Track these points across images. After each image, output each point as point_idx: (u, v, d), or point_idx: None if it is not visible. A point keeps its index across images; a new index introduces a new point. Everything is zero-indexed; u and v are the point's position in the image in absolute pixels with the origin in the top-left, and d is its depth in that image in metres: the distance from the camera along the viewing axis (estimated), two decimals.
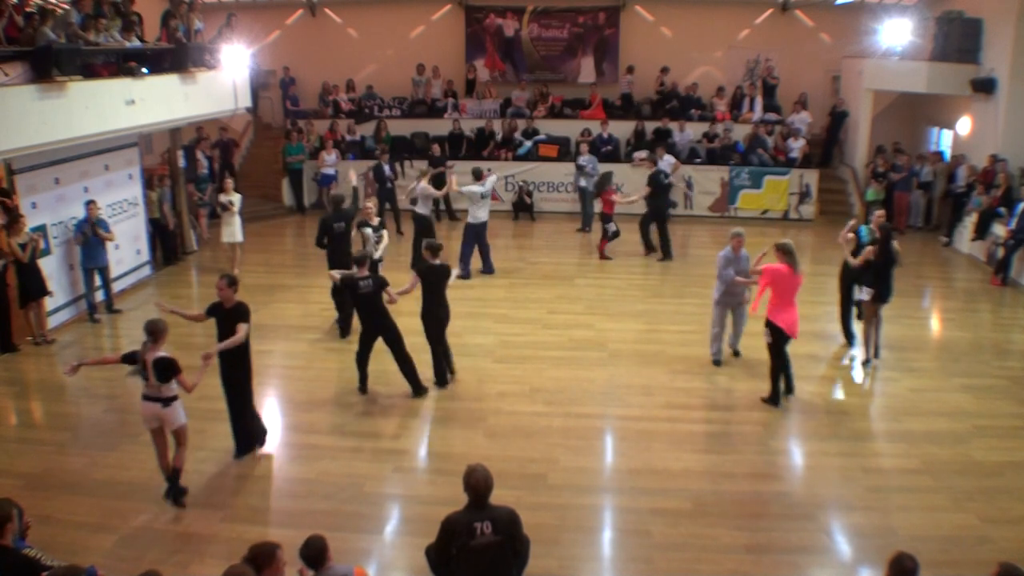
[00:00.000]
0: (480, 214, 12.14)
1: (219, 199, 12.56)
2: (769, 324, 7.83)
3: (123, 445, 7.27)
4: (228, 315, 6.67)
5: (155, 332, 6.05)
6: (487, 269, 12.45)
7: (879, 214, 9.46)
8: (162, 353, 6.03)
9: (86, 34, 10.34)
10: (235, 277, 6.76)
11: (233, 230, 12.27)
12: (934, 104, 16.71)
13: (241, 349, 6.70)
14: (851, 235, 9.29)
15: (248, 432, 7.05)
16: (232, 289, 6.65)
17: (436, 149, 16.01)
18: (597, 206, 13.74)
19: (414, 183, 12.35)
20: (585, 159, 15.45)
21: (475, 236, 12.23)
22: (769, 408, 8.04)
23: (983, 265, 13.25)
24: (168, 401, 6.14)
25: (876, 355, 9.16)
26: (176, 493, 6.31)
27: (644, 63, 18.02)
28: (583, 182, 15.56)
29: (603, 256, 13.40)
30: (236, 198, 12.30)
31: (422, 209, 12.15)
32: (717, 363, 9.03)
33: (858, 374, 9.02)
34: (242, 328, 6.56)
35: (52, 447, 7.30)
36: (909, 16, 15.96)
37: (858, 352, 9.38)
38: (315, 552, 4.23)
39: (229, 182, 12.66)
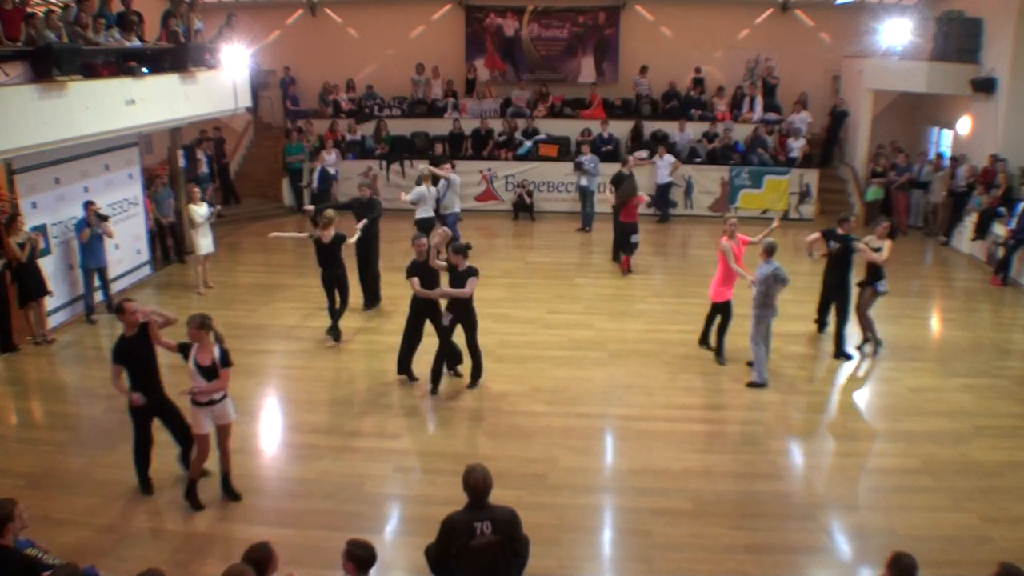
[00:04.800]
0: (424, 213, 12.01)
1: (190, 211, 11.58)
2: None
3: (123, 445, 7.23)
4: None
5: (189, 323, 6.04)
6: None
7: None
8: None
9: (86, 33, 10.35)
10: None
11: (209, 241, 11.68)
12: (934, 104, 16.70)
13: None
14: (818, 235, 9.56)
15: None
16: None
17: (438, 148, 16.02)
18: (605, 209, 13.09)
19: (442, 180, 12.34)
20: (586, 158, 15.44)
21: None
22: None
23: (983, 265, 13.25)
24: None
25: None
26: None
27: (644, 63, 17.99)
28: (584, 181, 15.55)
29: (628, 270, 12.74)
30: (203, 209, 11.58)
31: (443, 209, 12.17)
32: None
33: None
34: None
35: (52, 447, 7.30)
36: (909, 16, 15.95)
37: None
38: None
39: (196, 191, 11.82)
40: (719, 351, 9.19)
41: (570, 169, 16.29)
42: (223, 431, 6.28)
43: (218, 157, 16.53)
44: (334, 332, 9.70)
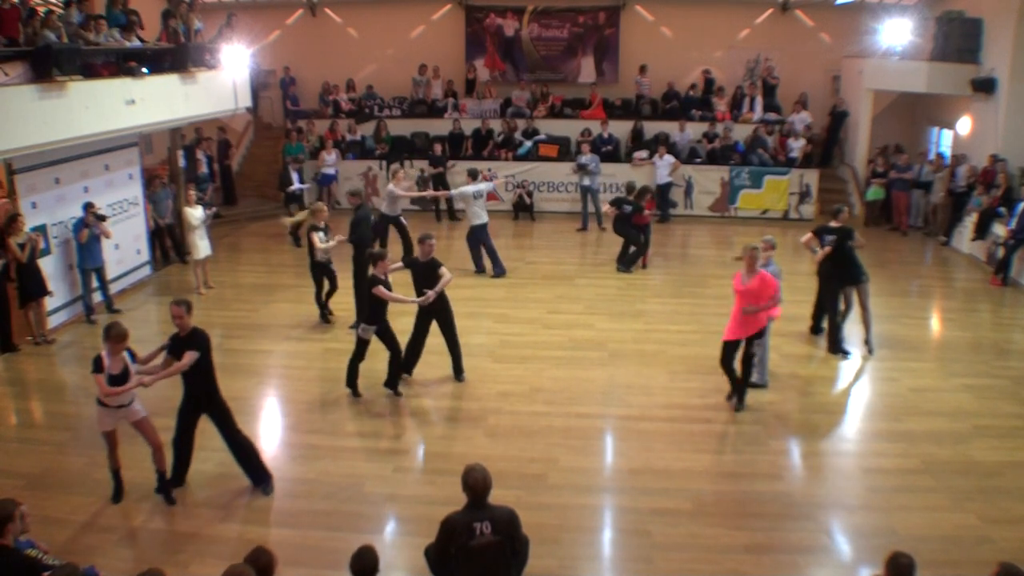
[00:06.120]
0: (480, 214, 12.22)
1: (186, 214, 11.54)
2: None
3: (123, 445, 7.18)
4: (182, 345, 6.19)
5: (105, 336, 6.05)
6: (498, 271, 12.39)
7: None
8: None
9: (86, 34, 10.35)
10: (191, 303, 6.32)
11: (206, 244, 11.59)
12: (934, 104, 16.71)
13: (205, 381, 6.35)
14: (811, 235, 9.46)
15: (255, 461, 6.61)
16: (190, 315, 6.20)
17: (438, 148, 16.04)
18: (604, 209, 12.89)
19: (389, 185, 12.44)
20: (587, 158, 15.44)
21: (477, 238, 12.30)
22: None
23: (983, 265, 13.24)
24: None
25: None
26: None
27: (644, 63, 17.98)
28: (586, 181, 15.51)
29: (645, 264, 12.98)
30: (198, 212, 11.53)
31: (388, 210, 12.24)
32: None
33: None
34: (188, 356, 6.10)
35: (52, 447, 7.30)
36: (909, 16, 15.96)
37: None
38: (368, 566, 4.18)
39: (192, 194, 11.74)
40: (741, 395, 7.97)
41: (570, 169, 16.31)
42: (146, 426, 6.33)
43: (221, 158, 16.55)
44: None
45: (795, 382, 8.69)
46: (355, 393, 8.25)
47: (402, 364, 8.46)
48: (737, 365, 7.84)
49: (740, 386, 7.91)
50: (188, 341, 6.18)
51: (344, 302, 10.54)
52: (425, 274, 8.33)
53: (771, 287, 7.48)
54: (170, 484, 6.47)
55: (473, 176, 12.50)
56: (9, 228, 9.25)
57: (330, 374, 8.94)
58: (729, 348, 7.76)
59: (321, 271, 10.17)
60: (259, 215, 16.61)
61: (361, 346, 8.14)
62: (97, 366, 5.99)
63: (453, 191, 12.34)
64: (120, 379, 6.05)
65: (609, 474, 6.96)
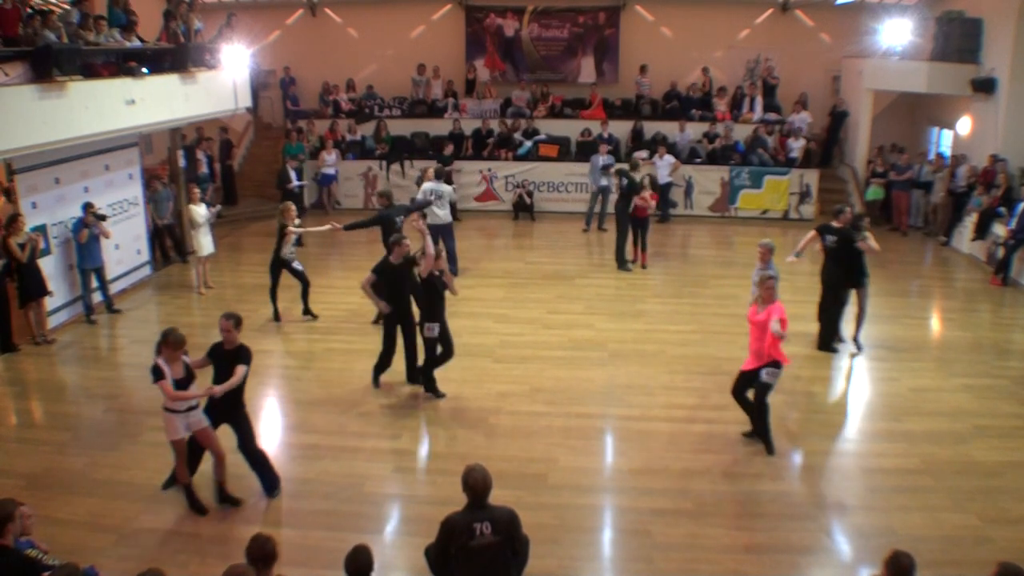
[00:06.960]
0: (438, 214, 11.85)
1: (190, 212, 11.75)
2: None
3: (123, 445, 7.27)
4: (228, 358, 6.18)
5: (162, 341, 5.99)
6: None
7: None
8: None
9: (86, 34, 10.35)
10: (241, 317, 6.30)
11: (209, 241, 11.72)
12: (934, 104, 16.70)
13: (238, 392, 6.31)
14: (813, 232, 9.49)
15: (269, 469, 6.57)
16: (238, 330, 6.20)
17: (449, 148, 16.03)
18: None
19: (427, 183, 12.29)
20: (610, 158, 15.32)
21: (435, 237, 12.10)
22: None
23: (983, 265, 13.24)
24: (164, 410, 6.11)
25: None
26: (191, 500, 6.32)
27: (644, 63, 17.98)
28: (604, 181, 15.32)
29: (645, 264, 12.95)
30: (203, 209, 11.72)
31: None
32: None
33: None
34: (240, 370, 6.08)
35: (52, 447, 7.30)
36: (909, 16, 15.96)
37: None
38: (362, 566, 4.15)
39: (196, 192, 11.91)
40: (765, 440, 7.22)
41: (571, 169, 16.28)
42: (206, 436, 6.22)
43: (223, 158, 16.54)
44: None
45: (795, 382, 8.68)
46: (424, 383, 8.25)
47: (385, 365, 8.44)
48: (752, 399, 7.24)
49: (760, 431, 7.21)
50: (237, 355, 6.15)
51: (346, 302, 10.56)
52: (399, 278, 8.17)
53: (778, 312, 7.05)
54: (171, 482, 6.48)
55: (437, 175, 12.10)
56: (9, 228, 9.25)
57: (330, 374, 8.94)
58: (744, 378, 7.22)
59: (281, 267, 10.33)
60: (259, 215, 16.60)
61: (430, 344, 8.06)
62: (158, 374, 5.90)
63: (417, 197, 12.07)
64: (184, 383, 6.00)
65: (609, 474, 6.96)
